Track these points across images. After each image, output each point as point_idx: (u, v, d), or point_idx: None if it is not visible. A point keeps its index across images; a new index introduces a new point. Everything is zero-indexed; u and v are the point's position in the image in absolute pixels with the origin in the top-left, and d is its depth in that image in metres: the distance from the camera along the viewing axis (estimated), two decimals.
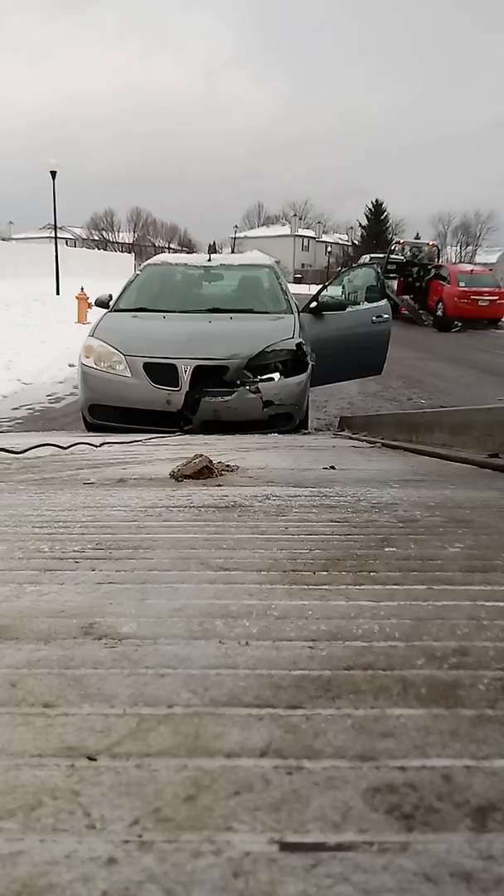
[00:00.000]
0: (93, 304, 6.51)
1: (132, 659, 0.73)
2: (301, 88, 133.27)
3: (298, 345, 5.00)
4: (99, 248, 57.67)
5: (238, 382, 4.83)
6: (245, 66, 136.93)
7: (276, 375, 4.93)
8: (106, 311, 5.67)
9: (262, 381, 4.86)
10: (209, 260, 6.68)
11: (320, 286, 6.45)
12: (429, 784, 0.50)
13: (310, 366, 5.05)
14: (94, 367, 4.92)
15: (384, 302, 6.39)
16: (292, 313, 5.56)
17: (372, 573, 1.04)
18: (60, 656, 0.74)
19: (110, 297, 5.88)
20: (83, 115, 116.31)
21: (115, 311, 5.65)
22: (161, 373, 4.76)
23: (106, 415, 4.90)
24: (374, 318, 6.15)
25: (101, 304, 5.85)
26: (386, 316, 6.23)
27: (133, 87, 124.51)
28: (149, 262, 6.91)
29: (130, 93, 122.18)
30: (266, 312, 5.61)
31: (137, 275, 6.38)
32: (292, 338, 5.08)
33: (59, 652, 0.75)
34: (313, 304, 5.97)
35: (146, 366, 4.76)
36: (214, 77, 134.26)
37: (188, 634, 0.80)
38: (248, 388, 4.79)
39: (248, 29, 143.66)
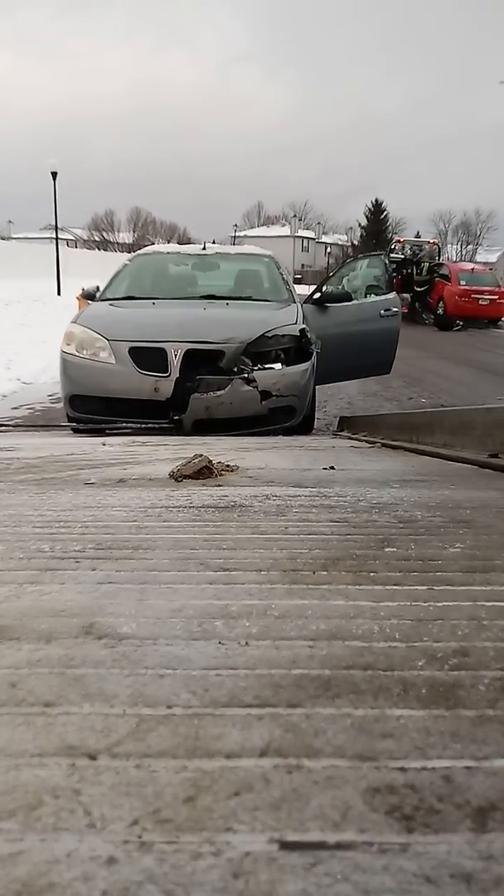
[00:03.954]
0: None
1: (132, 659, 0.73)
2: (310, 88, 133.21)
3: (302, 331, 4.55)
4: (99, 249, 57.70)
5: (235, 370, 4.33)
6: (254, 64, 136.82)
7: (278, 365, 4.45)
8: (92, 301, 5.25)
9: (260, 370, 4.37)
10: (204, 249, 6.15)
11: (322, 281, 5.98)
12: (429, 785, 0.50)
13: (314, 354, 4.60)
14: (76, 354, 4.46)
15: (393, 295, 5.85)
16: (295, 302, 5.10)
17: (372, 573, 1.04)
18: (61, 656, 0.74)
19: (97, 288, 5.45)
20: (88, 114, 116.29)
21: (102, 300, 5.23)
22: (149, 358, 4.28)
23: (89, 406, 4.46)
24: (382, 311, 5.59)
25: (89, 296, 5.42)
26: (395, 310, 5.69)
27: (140, 86, 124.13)
28: (139, 251, 6.46)
29: (137, 92, 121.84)
30: (266, 301, 5.14)
31: (126, 264, 5.88)
32: (295, 323, 4.62)
33: (60, 652, 0.75)
34: (316, 295, 5.48)
35: (132, 351, 4.30)
36: (223, 76, 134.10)
37: (188, 635, 0.80)
38: (243, 377, 4.31)
39: (259, 27, 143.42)
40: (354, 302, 5.58)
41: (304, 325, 4.63)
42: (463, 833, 0.45)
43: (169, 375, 4.24)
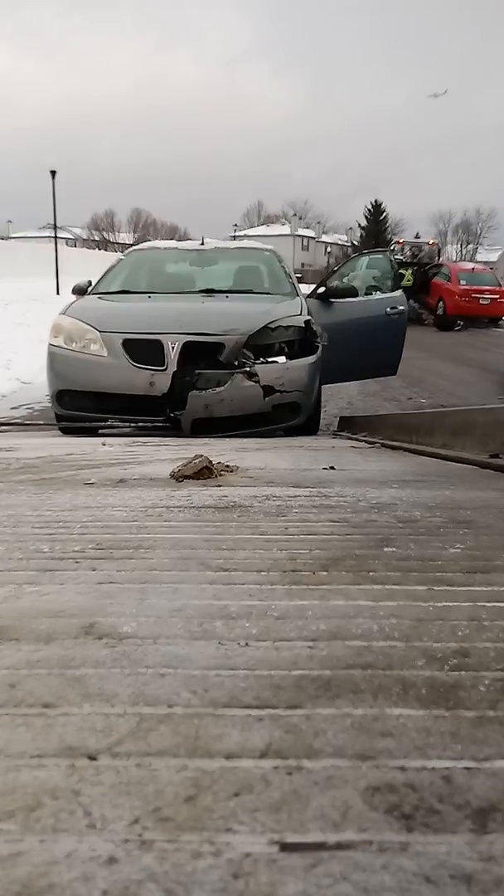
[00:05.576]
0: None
1: (132, 659, 0.73)
2: (313, 87, 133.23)
3: (307, 322, 4.28)
4: (99, 249, 57.69)
5: (236, 364, 4.04)
6: (258, 63, 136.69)
7: (282, 358, 4.17)
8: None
9: (263, 363, 4.08)
10: (202, 244, 5.87)
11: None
12: (429, 785, 0.50)
13: (320, 348, 4.32)
14: (64, 346, 4.17)
15: (399, 293, 5.60)
16: (298, 296, 4.82)
17: (371, 573, 1.04)
18: (60, 656, 0.74)
19: (89, 282, 5.15)
20: (91, 113, 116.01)
21: (93, 293, 4.95)
22: (143, 350, 4.00)
23: (78, 403, 4.17)
24: (388, 308, 5.35)
25: (80, 290, 5.08)
26: (402, 308, 5.45)
27: (144, 85, 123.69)
28: (134, 247, 6.22)
29: (141, 91, 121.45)
30: (268, 294, 4.88)
31: (121, 259, 5.62)
32: (300, 314, 4.36)
33: (60, 652, 0.75)
34: (320, 290, 5.20)
35: (126, 343, 4.02)
36: (226, 75, 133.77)
37: (188, 634, 0.80)
38: (245, 371, 4.02)
39: (264, 26, 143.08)
40: (360, 298, 5.35)
41: (309, 317, 4.38)
42: (463, 834, 0.45)
43: (165, 369, 3.96)
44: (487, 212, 72.01)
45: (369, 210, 60.08)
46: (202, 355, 4.05)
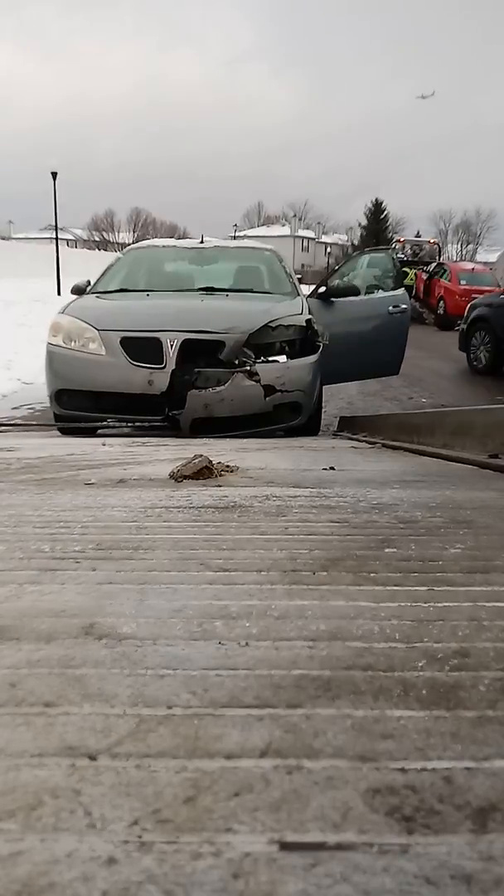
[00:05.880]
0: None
1: (132, 659, 0.73)
2: (314, 87, 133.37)
3: (308, 321, 4.24)
4: (99, 249, 57.73)
5: (236, 363, 3.98)
6: (259, 64, 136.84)
7: (282, 358, 4.12)
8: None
9: (263, 363, 4.03)
10: (202, 242, 5.81)
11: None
12: (429, 786, 0.50)
13: (321, 347, 4.27)
14: (63, 345, 4.12)
15: (401, 291, 5.50)
16: (299, 295, 4.76)
17: (372, 574, 1.04)
18: (61, 656, 0.74)
19: (88, 282, 5.10)
20: (91, 113, 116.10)
21: (92, 292, 4.90)
22: (142, 348, 3.95)
23: (77, 402, 4.14)
24: (390, 307, 5.23)
25: (78, 290, 5.01)
26: (404, 306, 5.32)
27: (144, 86, 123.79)
28: (133, 245, 6.09)
29: (141, 91, 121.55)
30: (268, 293, 4.83)
31: (119, 258, 5.56)
32: (300, 314, 4.32)
33: (60, 652, 0.75)
34: (321, 289, 5.09)
35: (124, 341, 3.98)
36: (227, 75, 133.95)
37: (188, 635, 0.80)
38: (246, 370, 3.97)
39: (265, 26, 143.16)
40: (362, 297, 5.27)
41: (310, 316, 4.34)
42: (463, 834, 0.45)
43: (164, 367, 3.91)
44: (487, 212, 72.18)
45: (370, 209, 60.14)
46: (202, 354, 3.99)
